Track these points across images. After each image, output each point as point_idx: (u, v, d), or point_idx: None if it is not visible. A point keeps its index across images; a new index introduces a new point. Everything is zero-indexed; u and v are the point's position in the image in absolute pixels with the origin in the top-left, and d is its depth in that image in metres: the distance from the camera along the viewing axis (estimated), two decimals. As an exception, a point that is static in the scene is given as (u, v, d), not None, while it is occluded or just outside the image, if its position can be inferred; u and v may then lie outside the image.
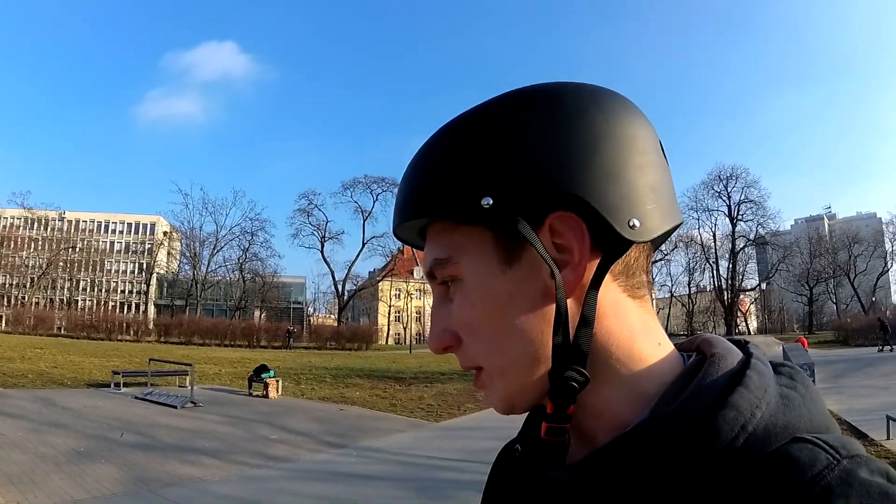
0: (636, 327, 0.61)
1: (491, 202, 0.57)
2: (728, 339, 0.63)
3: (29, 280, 78.09)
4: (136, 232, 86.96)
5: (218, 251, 72.61)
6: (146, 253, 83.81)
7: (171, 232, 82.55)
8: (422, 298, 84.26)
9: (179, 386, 17.96)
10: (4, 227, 78.43)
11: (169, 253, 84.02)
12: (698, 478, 0.50)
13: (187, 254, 76.20)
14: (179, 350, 34.61)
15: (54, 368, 21.13)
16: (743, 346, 0.62)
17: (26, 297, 75.37)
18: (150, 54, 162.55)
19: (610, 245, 0.59)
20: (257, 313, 70.01)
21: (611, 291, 0.60)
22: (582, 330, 0.58)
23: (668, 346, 0.63)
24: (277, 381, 17.60)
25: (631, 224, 0.58)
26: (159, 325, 55.29)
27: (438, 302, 0.64)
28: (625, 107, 0.62)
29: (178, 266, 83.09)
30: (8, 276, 77.98)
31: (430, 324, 0.66)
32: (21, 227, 79.57)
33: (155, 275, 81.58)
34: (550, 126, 0.58)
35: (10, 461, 8.49)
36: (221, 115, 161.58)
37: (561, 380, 0.57)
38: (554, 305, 0.58)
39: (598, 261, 0.58)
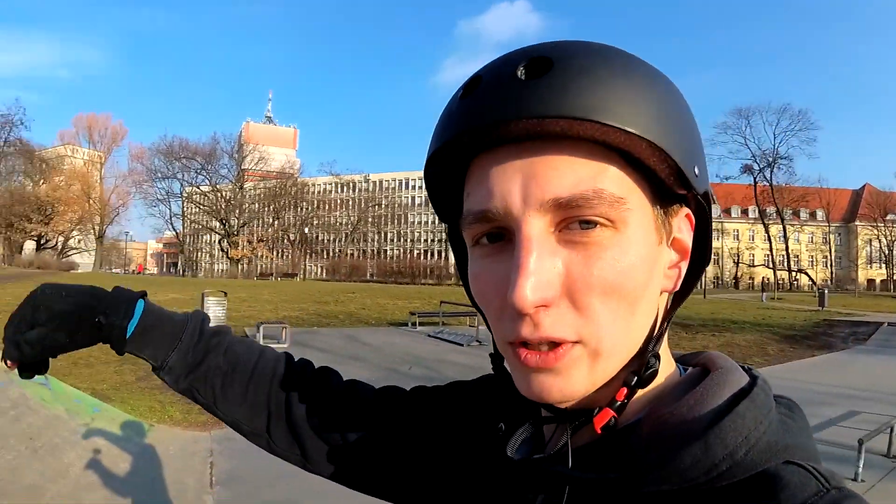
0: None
1: (699, 173, 0.54)
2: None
3: (343, 235, 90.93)
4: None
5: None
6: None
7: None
8: (720, 239, 78.87)
9: (469, 326, 18.89)
10: (319, 192, 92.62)
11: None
12: (693, 482, 0.50)
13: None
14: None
15: (362, 310, 23.55)
16: (748, 370, 0.60)
17: (340, 250, 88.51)
18: (445, 24, 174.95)
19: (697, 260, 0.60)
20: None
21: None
22: (665, 324, 0.58)
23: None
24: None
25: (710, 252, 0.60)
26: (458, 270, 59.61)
27: (550, 244, 0.51)
28: None
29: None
30: (325, 233, 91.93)
31: (526, 269, 0.49)
32: (332, 191, 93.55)
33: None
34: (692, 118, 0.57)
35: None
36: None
37: (651, 366, 0.56)
38: (664, 294, 0.58)
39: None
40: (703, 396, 0.54)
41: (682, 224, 0.57)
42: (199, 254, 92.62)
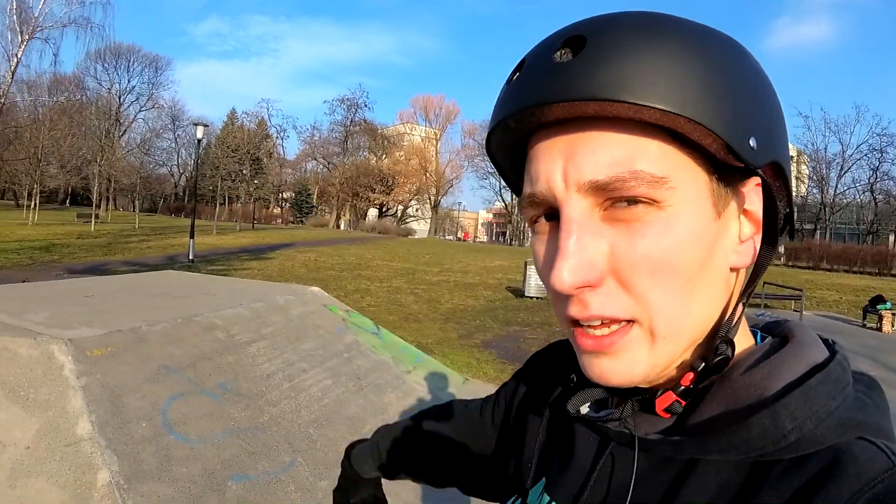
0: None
1: (756, 145, 0.49)
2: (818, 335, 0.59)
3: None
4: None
5: (846, 172, 67.33)
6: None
7: (797, 155, 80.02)
8: None
9: (794, 311, 17.41)
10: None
11: (797, 177, 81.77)
12: (760, 452, 0.49)
13: (814, 177, 72.97)
14: (804, 274, 33.07)
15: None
16: (829, 344, 0.58)
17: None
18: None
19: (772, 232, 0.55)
20: (892, 238, 62.65)
21: None
22: (740, 303, 0.56)
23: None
24: (894, 315, 15.15)
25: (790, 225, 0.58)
26: (788, 249, 54.99)
27: (593, 224, 0.50)
28: None
29: (807, 189, 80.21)
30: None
31: (565, 251, 0.50)
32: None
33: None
34: (766, 82, 0.53)
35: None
36: (843, 32, 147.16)
37: (721, 352, 0.53)
38: (734, 272, 0.55)
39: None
40: (775, 368, 0.52)
41: (754, 195, 0.53)
42: (526, 224, 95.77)
